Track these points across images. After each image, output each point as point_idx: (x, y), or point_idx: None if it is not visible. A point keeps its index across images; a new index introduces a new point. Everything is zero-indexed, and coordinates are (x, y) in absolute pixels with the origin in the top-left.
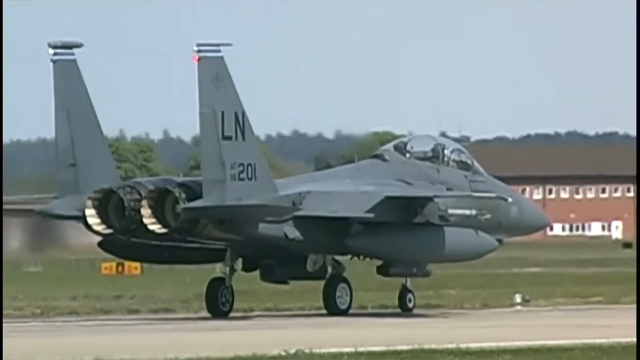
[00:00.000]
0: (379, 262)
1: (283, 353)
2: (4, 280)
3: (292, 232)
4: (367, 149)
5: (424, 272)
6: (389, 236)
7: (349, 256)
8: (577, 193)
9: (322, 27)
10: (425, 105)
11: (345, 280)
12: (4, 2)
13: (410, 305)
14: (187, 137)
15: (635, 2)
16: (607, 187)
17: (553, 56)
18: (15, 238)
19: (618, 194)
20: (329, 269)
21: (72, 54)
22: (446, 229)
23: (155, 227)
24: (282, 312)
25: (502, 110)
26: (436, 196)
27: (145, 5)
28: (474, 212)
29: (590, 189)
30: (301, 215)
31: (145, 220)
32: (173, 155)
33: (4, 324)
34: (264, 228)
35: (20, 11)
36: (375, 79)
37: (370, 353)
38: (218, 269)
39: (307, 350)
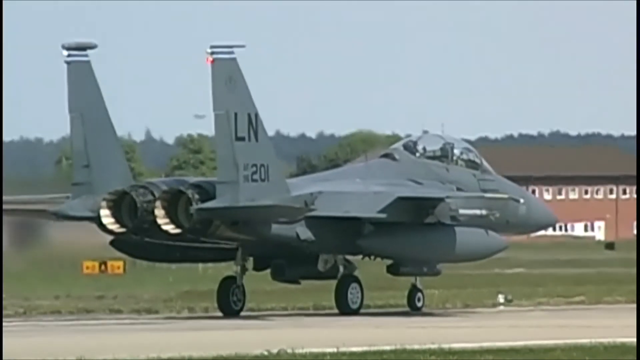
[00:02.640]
0: (389, 262)
1: (265, 353)
2: None
3: (304, 233)
4: (349, 148)
5: (434, 271)
6: (401, 236)
7: (360, 256)
8: (560, 194)
9: (304, 29)
10: (407, 105)
11: (357, 280)
12: (20, 2)
13: (419, 304)
14: (169, 139)
15: (634, 2)
16: (590, 188)
17: (537, 57)
18: None
19: (600, 195)
20: (341, 269)
21: (86, 55)
22: (457, 228)
23: (169, 227)
24: (264, 311)
25: (485, 111)
26: (448, 197)
27: (159, 5)
28: (484, 211)
29: (573, 190)
30: (313, 216)
31: (159, 221)
32: (155, 155)
33: None
34: (276, 228)
35: (35, 12)
36: (358, 79)
37: (352, 353)
38: (200, 269)
39: (289, 350)
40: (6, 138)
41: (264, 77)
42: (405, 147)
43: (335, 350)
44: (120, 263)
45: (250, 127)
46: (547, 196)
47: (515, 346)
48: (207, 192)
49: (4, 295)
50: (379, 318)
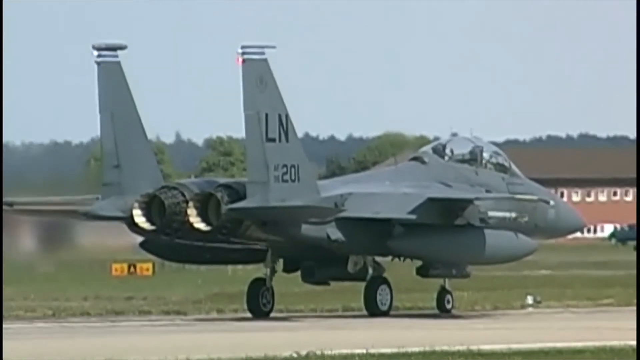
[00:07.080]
0: (419, 263)
1: (294, 355)
2: (16, 281)
3: (335, 234)
4: (378, 151)
5: (463, 273)
6: (430, 238)
7: (389, 257)
8: (589, 196)
9: (331, 30)
10: (436, 107)
11: (386, 281)
12: (50, 2)
13: (449, 306)
14: (198, 140)
15: None
16: (619, 190)
17: (565, 58)
18: (27, 238)
19: (629, 198)
20: (370, 270)
21: (116, 55)
22: (486, 231)
23: (201, 226)
24: (293, 313)
25: (514, 113)
26: (477, 198)
27: (189, 6)
28: (513, 214)
29: (602, 192)
30: (344, 217)
31: (191, 219)
32: (185, 157)
33: (15, 325)
34: (306, 229)
35: (65, 13)
36: (386, 81)
37: (381, 355)
38: (230, 271)
39: (318, 352)
40: (36, 140)
41: (293, 79)
42: (435, 150)
43: (364, 351)
44: (149, 265)
45: (280, 127)
46: (576, 198)
47: (544, 348)
48: (237, 192)
49: (32, 297)
50: (408, 320)
